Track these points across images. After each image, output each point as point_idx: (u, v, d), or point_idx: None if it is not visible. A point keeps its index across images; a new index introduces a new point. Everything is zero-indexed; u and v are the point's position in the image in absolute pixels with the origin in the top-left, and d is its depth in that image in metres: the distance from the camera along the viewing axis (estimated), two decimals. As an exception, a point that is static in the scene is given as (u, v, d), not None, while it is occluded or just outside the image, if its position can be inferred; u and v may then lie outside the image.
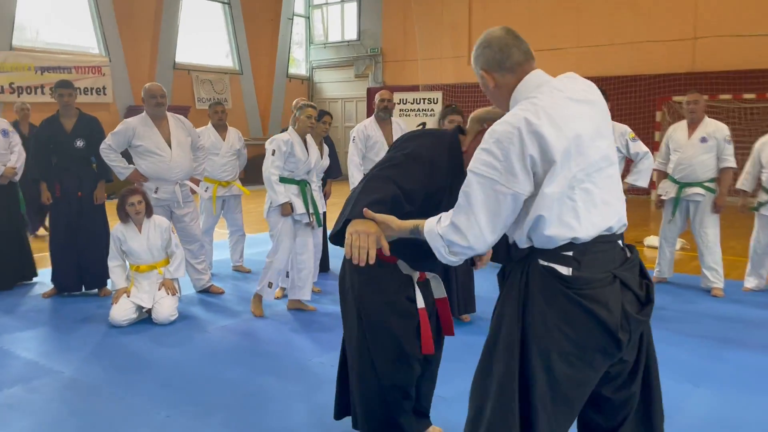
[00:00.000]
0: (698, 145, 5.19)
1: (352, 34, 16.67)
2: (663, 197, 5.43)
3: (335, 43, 17.02)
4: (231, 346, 4.06)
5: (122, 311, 4.39)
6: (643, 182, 4.79)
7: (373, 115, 5.41)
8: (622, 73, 12.39)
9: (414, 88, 14.51)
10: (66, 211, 5.11)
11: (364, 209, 1.94)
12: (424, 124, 5.24)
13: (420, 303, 2.40)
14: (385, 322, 2.35)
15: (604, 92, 2.42)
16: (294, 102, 4.66)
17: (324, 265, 5.79)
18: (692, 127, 5.28)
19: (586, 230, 1.71)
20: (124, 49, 13.21)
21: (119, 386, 3.40)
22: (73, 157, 5.10)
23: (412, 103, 13.49)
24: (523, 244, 1.79)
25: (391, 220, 1.94)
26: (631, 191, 4.54)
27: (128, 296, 4.46)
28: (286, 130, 5.84)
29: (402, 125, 5.46)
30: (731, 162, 5.17)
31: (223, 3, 15.23)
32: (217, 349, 4.01)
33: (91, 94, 12.56)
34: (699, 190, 5.21)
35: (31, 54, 11.91)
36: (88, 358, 3.84)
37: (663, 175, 5.46)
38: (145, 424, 2.96)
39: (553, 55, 12.29)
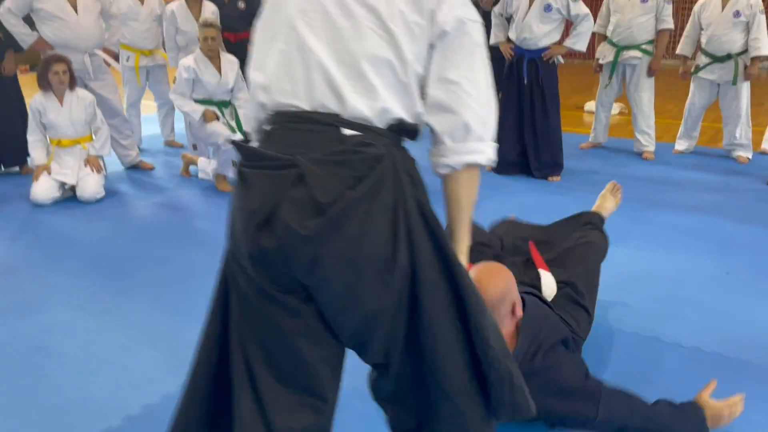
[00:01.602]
0: (638, 6, 5.04)
1: None
2: (601, 61, 5.35)
3: None
4: (160, 223, 3.98)
5: (44, 189, 4.21)
6: (582, 46, 4.63)
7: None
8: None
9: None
10: (-28, 85, 4.75)
11: None
12: None
13: None
14: None
15: None
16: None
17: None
18: (633, -14, 5.11)
19: (275, 96, 1.30)
20: None
21: (40, 265, 3.33)
22: (-29, 26, 4.68)
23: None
24: None
25: None
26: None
27: (49, 173, 4.27)
28: None
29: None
30: (669, 23, 5.07)
31: None
32: (145, 226, 3.93)
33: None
34: (636, 53, 5.13)
35: None
36: (12, 238, 3.73)
37: (602, 38, 5.34)
38: (65, 302, 2.92)
39: None
